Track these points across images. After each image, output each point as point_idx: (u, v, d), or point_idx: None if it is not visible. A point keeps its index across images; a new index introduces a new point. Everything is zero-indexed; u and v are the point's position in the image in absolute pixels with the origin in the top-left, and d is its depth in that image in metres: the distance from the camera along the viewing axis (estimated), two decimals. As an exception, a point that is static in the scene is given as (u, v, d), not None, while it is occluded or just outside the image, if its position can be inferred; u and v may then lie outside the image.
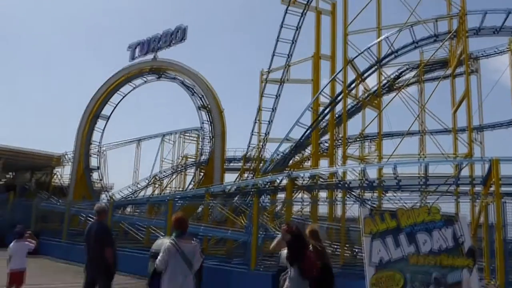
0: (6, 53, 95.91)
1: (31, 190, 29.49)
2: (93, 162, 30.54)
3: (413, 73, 23.06)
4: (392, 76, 23.36)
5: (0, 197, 24.35)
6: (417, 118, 18.28)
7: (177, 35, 27.00)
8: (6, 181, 30.20)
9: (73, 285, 10.50)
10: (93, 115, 30.05)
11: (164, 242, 6.74)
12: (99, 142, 31.06)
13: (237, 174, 28.18)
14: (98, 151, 31.34)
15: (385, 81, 21.54)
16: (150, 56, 28.46)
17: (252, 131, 25.50)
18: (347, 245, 12.93)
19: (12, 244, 8.05)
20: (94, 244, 6.33)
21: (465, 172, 12.81)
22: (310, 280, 6.10)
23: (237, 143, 61.58)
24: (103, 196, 31.25)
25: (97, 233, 6.36)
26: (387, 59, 18.23)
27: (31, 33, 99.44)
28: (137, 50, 28.88)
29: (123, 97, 30.76)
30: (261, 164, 21.47)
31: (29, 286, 9.12)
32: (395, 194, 14.86)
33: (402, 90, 18.85)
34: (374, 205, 15.09)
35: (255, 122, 24.13)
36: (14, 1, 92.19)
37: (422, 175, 13.45)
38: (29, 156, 28.60)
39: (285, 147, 18.91)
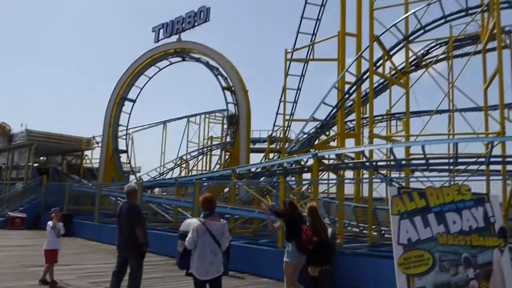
0: (28, 41, 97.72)
1: (63, 173, 30.29)
2: (121, 145, 31.09)
3: (441, 50, 22.46)
4: (420, 53, 22.81)
5: (34, 180, 25.15)
6: (446, 96, 17.86)
7: (201, 16, 26.89)
8: (39, 165, 31.06)
9: (106, 264, 10.82)
10: (119, 98, 30.44)
11: (192, 222, 6.90)
12: (126, 125, 31.56)
13: (263, 155, 28.30)
14: (125, 134, 31.89)
15: (412, 58, 21.05)
16: (174, 38, 28.52)
17: (277, 111, 25.47)
18: (374, 226, 12.88)
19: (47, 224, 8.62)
20: (125, 224, 6.47)
21: (496, 151, 12.47)
22: (307, 254, 6.74)
23: (262, 124, 61.55)
24: (132, 177, 31.87)
25: (128, 213, 6.49)
26: (415, 35, 17.74)
27: (58, 18, 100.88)
28: (161, 32, 28.94)
29: (149, 79, 31.01)
30: (286, 145, 21.44)
31: (63, 266, 9.48)
32: (423, 174, 14.67)
33: (431, 67, 18.40)
34: (402, 185, 14.94)
35: (280, 102, 24.04)
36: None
37: (451, 154, 13.18)
38: (60, 139, 29.26)
39: (310, 127, 18.82)
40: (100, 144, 31.55)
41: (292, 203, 7.20)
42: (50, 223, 8.64)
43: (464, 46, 22.12)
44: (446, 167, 13.85)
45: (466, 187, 5.97)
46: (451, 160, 13.02)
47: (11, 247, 14.06)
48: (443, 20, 17.24)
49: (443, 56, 22.51)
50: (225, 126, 32.53)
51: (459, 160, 12.41)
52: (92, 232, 17.23)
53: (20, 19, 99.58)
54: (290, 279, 6.87)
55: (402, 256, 5.53)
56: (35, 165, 29.24)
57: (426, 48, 23.54)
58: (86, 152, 32.28)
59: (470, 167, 12.87)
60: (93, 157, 33.03)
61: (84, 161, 32.19)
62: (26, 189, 24.77)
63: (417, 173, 16.02)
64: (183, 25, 27.69)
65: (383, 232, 13.13)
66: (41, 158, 33.44)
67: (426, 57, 23.11)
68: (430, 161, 12.47)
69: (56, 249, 8.54)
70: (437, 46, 23.23)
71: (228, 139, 29.32)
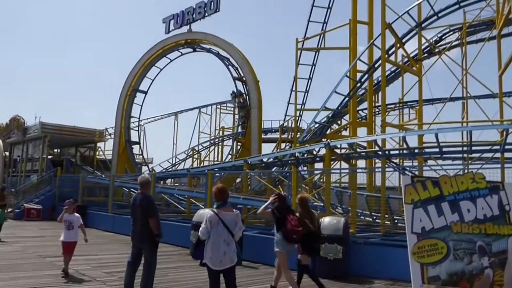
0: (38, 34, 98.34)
1: (76, 164, 30.62)
2: (133, 136, 31.31)
3: (455, 36, 22.15)
4: (433, 40, 22.51)
5: (49, 172, 25.48)
6: (460, 83, 17.63)
7: (211, 6, 26.80)
8: (53, 157, 31.43)
9: (121, 254, 10.96)
10: (131, 89, 30.60)
11: (205, 213, 6.94)
12: (138, 117, 31.75)
13: (274, 145, 28.29)
14: (137, 126, 32.08)
15: (425, 45, 20.78)
16: (184, 29, 28.49)
17: (289, 101, 25.41)
18: (386, 215, 12.83)
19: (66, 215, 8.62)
20: (139, 215, 6.52)
21: (511, 138, 12.31)
22: (293, 243, 7.05)
23: (273, 114, 61.42)
24: (144, 169, 32.11)
25: (142, 204, 6.53)
26: (427, 22, 17.48)
27: (71, 11, 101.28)
28: (171, 23, 28.92)
29: (160, 70, 31.09)
30: (298, 134, 21.39)
31: (79, 256, 9.60)
32: (436, 162, 14.54)
33: (444, 53, 18.15)
34: (415, 173, 14.83)
35: (291, 92, 23.96)
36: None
37: (465, 142, 13.04)
38: (73, 131, 29.54)
39: (322, 116, 18.75)
40: (112, 136, 31.80)
41: (280, 194, 7.46)
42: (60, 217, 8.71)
43: (478, 32, 21.79)
44: (460, 155, 13.72)
45: (480, 175, 5.90)
46: (465, 148, 12.89)
47: (27, 238, 14.28)
48: (456, 6, 16.95)
49: (456, 42, 22.21)
50: (237, 115, 32.51)
51: (473, 148, 12.28)
52: (106, 223, 17.43)
53: (31, 11, 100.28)
54: (287, 266, 7.12)
55: (416, 245, 5.51)
56: (49, 157, 29.58)
57: (439, 35, 23.24)
58: (99, 144, 32.57)
59: (485, 155, 12.74)
60: (106, 149, 33.40)
61: (97, 153, 32.48)
62: (41, 181, 25.12)
63: (430, 162, 15.91)
64: (194, 15, 27.64)
65: (396, 221, 13.09)
66: (55, 150, 33.82)
67: (439, 43, 22.82)
68: (444, 149, 12.35)
69: (69, 242, 8.50)
70: (451, 33, 22.92)
71: (240, 129, 29.31)
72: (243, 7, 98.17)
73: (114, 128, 31.55)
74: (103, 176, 25.71)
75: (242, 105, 26.42)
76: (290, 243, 7.06)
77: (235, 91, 27.10)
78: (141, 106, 31.46)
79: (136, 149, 31.53)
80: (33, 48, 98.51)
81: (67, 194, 22.86)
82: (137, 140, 31.77)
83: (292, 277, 7.06)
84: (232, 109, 36.37)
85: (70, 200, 9.09)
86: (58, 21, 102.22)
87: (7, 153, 32.94)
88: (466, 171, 9.43)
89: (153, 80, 31.19)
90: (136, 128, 31.99)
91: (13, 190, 22.84)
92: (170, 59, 30.77)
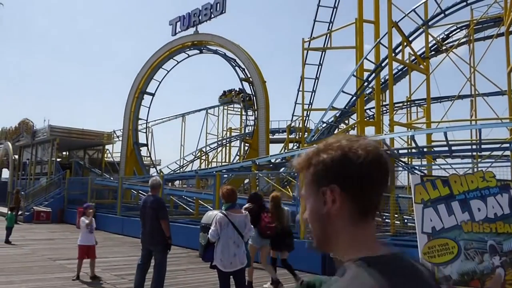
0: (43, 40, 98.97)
1: (85, 167, 30.77)
2: (141, 138, 31.40)
3: (462, 33, 21.98)
4: (440, 37, 22.37)
5: (58, 175, 25.64)
6: (468, 80, 17.49)
7: (217, 8, 26.82)
8: (62, 160, 31.61)
9: (131, 256, 11.00)
10: (139, 92, 30.71)
11: (213, 214, 6.96)
12: (146, 119, 31.85)
13: (282, 145, 28.25)
14: (145, 127, 32.17)
15: (432, 43, 20.66)
16: (191, 31, 28.55)
17: (296, 101, 25.36)
18: (396, 214, 12.76)
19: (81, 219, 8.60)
20: (149, 217, 6.54)
21: (521, 135, 12.23)
22: (267, 239, 7.69)
23: (280, 115, 61.46)
24: (152, 170, 32.20)
25: (153, 206, 6.56)
26: (434, 20, 17.39)
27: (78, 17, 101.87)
28: (178, 25, 28.98)
29: (167, 72, 31.17)
30: (305, 134, 21.35)
31: (88, 259, 9.63)
32: (445, 161, 14.45)
33: (451, 51, 18.03)
34: (424, 172, 14.73)
35: (298, 92, 23.92)
36: None
37: (475, 140, 12.94)
38: (81, 134, 29.69)
39: (330, 116, 18.70)
40: (120, 138, 31.91)
41: (256, 193, 8.40)
42: (84, 218, 8.57)
43: (486, 29, 21.62)
44: (469, 153, 13.62)
45: (490, 174, 5.85)
46: (475, 147, 12.79)
47: (37, 241, 14.39)
48: (463, 3, 16.85)
49: (464, 40, 22.03)
50: (244, 116, 32.54)
51: (483, 146, 12.18)
52: (115, 225, 17.49)
53: (36, 15, 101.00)
54: (252, 260, 7.66)
55: (427, 245, 5.48)
56: (58, 160, 29.76)
57: (446, 32, 23.07)
58: (107, 146, 32.71)
59: (494, 153, 12.63)
60: (114, 151, 33.52)
61: (105, 155, 32.62)
62: (50, 183, 25.28)
63: (439, 160, 15.81)
64: (200, 17, 27.68)
65: (405, 220, 13.01)
66: (64, 153, 34.01)
67: (446, 41, 22.66)
68: (453, 147, 12.27)
69: (89, 245, 8.47)
70: (458, 30, 22.74)
71: (248, 129, 29.34)
72: (249, 8, 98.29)
73: (122, 130, 31.68)
74: (112, 178, 25.83)
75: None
76: (264, 239, 7.73)
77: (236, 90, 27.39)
78: (149, 108, 31.58)
79: (144, 151, 31.65)
80: (41, 51, 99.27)
81: (76, 196, 23.05)
82: (145, 142, 31.88)
83: (252, 269, 7.69)
84: (239, 110, 36.39)
85: (90, 204, 9.07)
86: (63, 24, 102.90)
87: (17, 156, 33.19)
88: (476, 169, 9.36)
89: (160, 82, 31.31)
90: (144, 130, 32.13)
91: (22, 193, 23.01)
92: (177, 61, 30.85)
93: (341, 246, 1.00)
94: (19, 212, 20.60)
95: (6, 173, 34.49)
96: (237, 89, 28.81)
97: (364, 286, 0.86)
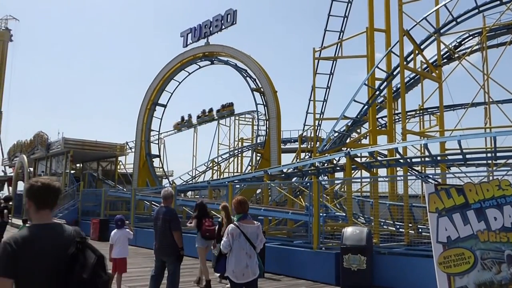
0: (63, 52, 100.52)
1: (98, 179, 31.00)
2: (153, 149, 31.59)
3: (475, 41, 21.84)
4: (452, 45, 22.24)
5: (72, 187, 25.86)
6: (482, 88, 17.34)
7: (228, 19, 27.03)
8: (75, 172, 31.91)
9: (144, 268, 11.01)
10: (151, 103, 30.96)
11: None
12: (158, 130, 32.06)
13: (294, 155, 28.19)
14: (157, 139, 32.38)
15: (444, 51, 20.54)
16: (202, 42, 28.78)
17: (307, 110, 25.36)
18: (410, 224, 12.61)
19: (113, 232, 8.08)
20: (162, 228, 6.55)
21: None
22: (209, 239, 8.94)
23: (292, 124, 61.44)
24: (165, 181, 32.32)
25: (165, 218, 6.57)
26: (446, 28, 17.29)
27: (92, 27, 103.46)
28: (189, 36, 29.25)
29: (179, 84, 31.38)
30: (317, 144, 21.29)
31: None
32: (459, 169, 14.28)
33: (464, 59, 17.90)
34: (438, 181, 14.58)
35: (310, 101, 23.91)
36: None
37: (490, 148, 12.78)
38: (94, 146, 29.95)
39: (341, 125, 18.64)
40: (133, 150, 32.14)
41: (202, 203, 9.57)
42: (128, 230, 8.19)
43: (499, 36, 21.46)
44: (484, 161, 13.45)
45: (506, 182, 5.75)
46: (489, 155, 12.62)
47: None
48: (476, 11, 16.73)
49: (476, 47, 21.89)
50: (255, 126, 32.56)
51: (498, 154, 12.01)
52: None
53: (49, 28, 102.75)
54: (204, 259, 9.14)
55: (442, 255, 5.39)
56: (72, 172, 30.04)
57: (458, 40, 22.93)
58: (120, 158, 32.94)
59: (510, 161, 12.45)
60: (127, 163, 33.73)
61: (118, 167, 32.84)
62: (64, 195, 25.49)
63: (453, 169, 15.62)
64: (211, 28, 27.92)
65: (420, 230, 12.85)
66: (77, 165, 34.34)
67: (459, 49, 22.52)
68: (467, 156, 12.12)
69: (125, 258, 8.06)
70: (470, 37, 22.60)
71: (259, 139, 29.34)
72: (259, 18, 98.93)
73: (134, 141, 31.91)
74: (125, 189, 25.96)
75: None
76: (207, 240, 8.99)
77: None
78: (161, 119, 31.80)
79: (156, 162, 31.81)
80: (54, 64, 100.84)
81: (89, 208, 23.20)
82: (157, 153, 32.05)
83: (207, 269, 8.82)
84: (251, 120, 36.44)
85: (120, 215, 8.74)
86: (75, 37, 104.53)
87: (32, 169, 33.58)
88: (491, 178, 9.23)
89: (172, 94, 31.53)
90: (156, 141, 32.33)
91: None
92: (188, 72, 31.08)
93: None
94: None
95: (21, 186, 34.87)
96: (227, 103, 29.32)
97: (21, 233, 2.34)
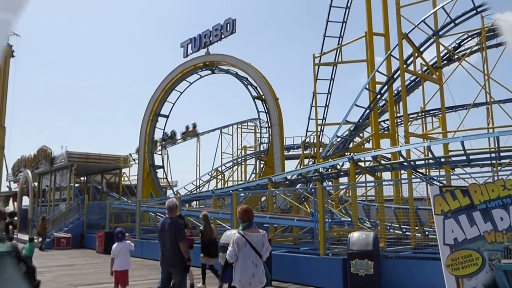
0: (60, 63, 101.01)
1: (103, 191, 31.02)
2: (157, 160, 31.61)
3: (474, 41, 21.84)
4: (451, 46, 22.25)
5: (76, 200, 25.88)
6: (483, 88, 17.31)
7: (227, 28, 27.14)
8: (80, 185, 31.94)
9: (150, 279, 10.98)
10: (153, 114, 31.04)
11: (232, 234, 6.93)
12: (161, 141, 32.10)
13: (298, 161, 28.16)
14: (160, 149, 32.40)
15: (444, 52, 20.55)
16: (202, 52, 28.90)
17: (309, 116, 25.36)
18: (416, 227, 12.54)
19: (114, 245, 8.08)
20: (168, 239, 6.54)
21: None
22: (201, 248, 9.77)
23: (295, 131, 61.39)
24: (169, 192, 32.29)
25: (171, 229, 6.56)
26: (445, 30, 17.32)
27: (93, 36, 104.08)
28: (189, 47, 29.38)
29: (180, 94, 31.45)
30: (320, 150, 21.27)
31: (108, 284, 9.64)
32: (464, 170, 14.22)
33: (464, 59, 17.91)
34: (443, 183, 14.51)
35: (311, 107, 23.92)
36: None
37: (493, 148, 12.73)
38: (98, 159, 30.02)
39: (344, 130, 18.63)
40: (136, 161, 32.18)
41: (181, 215, 9.37)
42: (129, 242, 8.23)
43: (498, 35, 21.45)
44: (488, 162, 13.39)
45: (511, 182, 5.74)
46: (493, 155, 12.58)
47: (58, 267, 14.45)
48: (473, 12, 16.77)
49: (476, 47, 21.88)
50: (258, 134, 32.57)
51: (502, 154, 11.98)
52: (134, 249, 17.46)
53: (50, 38, 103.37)
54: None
55: (450, 257, 5.37)
56: (76, 185, 30.07)
57: (458, 41, 22.94)
58: (124, 170, 32.97)
59: (513, 161, 12.39)
60: (131, 174, 33.76)
61: (122, 179, 32.87)
62: (69, 209, 25.51)
63: (457, 170, 15.56)
64: (211, 38, 28.03)
65: (426, 233, 12.78)
66: (82, 178, 34.38)
67: (458, 50, 22.53)
68: (471, 156, 12.09)
69: (126, 270, 8.15)
70: (469, 38, 22.60)
71: (262, 147, 29.33)
72: (259, 27, 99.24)
73: (138, 153, 31.96)
74: (129, 201, 25.95)
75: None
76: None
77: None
78: (163, 130, 31.86)
79: (160, 173, 31.83)
80: (55, 76, 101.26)
81: (94, 221, 23.19)
82: (161, 164, 32.08)
83: (191, 273, 8.82)
84: (253, 127, 36.45)
85: (121, 228, 8.77)
86: (77, 50, 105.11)
87: (36, 184, 33.65)
88: (496, 178, 9.19)
89: (174, 104, 31.59)
90: (160, 152, 32.35)
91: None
92: (189, 82, 31.16)
93: None
94: (46, 240, 20.84)
95: (26, 201, 34.94)
96: (190, 125, 30.80)
97: None
